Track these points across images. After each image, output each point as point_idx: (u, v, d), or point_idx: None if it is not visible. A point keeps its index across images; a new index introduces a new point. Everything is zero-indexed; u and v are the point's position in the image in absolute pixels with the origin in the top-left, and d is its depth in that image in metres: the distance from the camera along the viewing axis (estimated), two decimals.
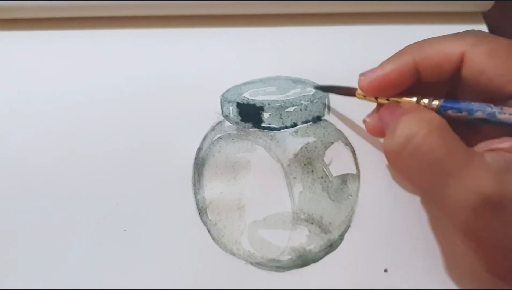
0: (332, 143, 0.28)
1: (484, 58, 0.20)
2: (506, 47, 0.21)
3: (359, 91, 0.24)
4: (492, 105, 0.21)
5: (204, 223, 0.27)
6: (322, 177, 0.27)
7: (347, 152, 0.28)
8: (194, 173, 0.28)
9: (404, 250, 0.26)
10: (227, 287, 0.26)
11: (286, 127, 0.28)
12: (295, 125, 0.28)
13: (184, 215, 0.27)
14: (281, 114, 0.28)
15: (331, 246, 0.27)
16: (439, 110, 0.22)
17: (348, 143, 0.28)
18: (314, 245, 0.27)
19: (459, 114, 0.21)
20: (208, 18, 0.31)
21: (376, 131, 0.25)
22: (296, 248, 0.27)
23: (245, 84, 0.29)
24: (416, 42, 0.23)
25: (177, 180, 0.27)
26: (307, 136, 0.28)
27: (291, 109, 0.27)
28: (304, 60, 0.30)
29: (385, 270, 0.26)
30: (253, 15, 0.31)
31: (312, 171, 0.27)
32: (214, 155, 0.28)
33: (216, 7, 0.30)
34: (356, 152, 0.28)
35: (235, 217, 0.27)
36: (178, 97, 0.29)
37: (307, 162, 0.27)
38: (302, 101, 0.27)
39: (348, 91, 0.25)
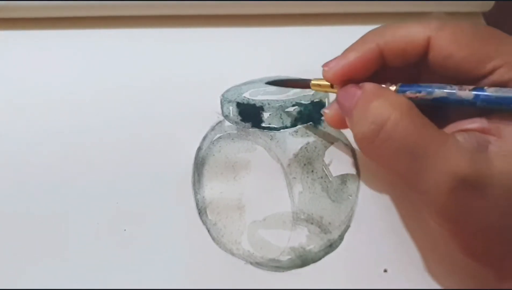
0: (332, 143, 0.28)
1: (449, 42, 0.20)
2: (470, 30, 0.20)
3: (313, 82, 0.24)
4: (451, 84, 0.20)
5: (204, 223, 0.27)
6: (322, 177, 0.27)
7: (347, 152, 0.28)
8: (194, 173, 0.28)
9: (404, 250, 0.26)
10: (227, 287, 0.26)
11: (286, 127, 0.28)
12: (295, 125, 0.28)
13: (184, 215, 0.27)
14: (281, 114, 0.28)
15: (331, 246, 0.27)
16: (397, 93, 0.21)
17: (348, 143, 0.28)
18: (314, 245, 0.27)
19: (418, 94, 0.21)
20: (208, 18, 0.31)
21: (337, 122, 0.25)
22: (296, 248, 0.27)
23: (245, 84, 0.29)
24: (379, 28, 0.22)
25: (177, 180, 0.27)
26: (307, 136, 0.28)
27: (291, 109, 0.27)
28: (304, 60, 0.30)
29: (385, 270, 0.26)
30: (253, 15, 0.31)
31: (312, 171, 0.27)
32: (214, 155, 0.28)
33: (216, 7, 0.30)
34: (356, 152, 0.28)
35: (235, 217, 0.27)
36: (178, 97, 0.29)
37: (307, 162, 0.27)
38: (302, 101, 0.27)
39: (302, 84, 0.25)
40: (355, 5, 0.30)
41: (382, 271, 0.26)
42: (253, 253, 0.27)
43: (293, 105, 0.27)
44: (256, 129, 0.28)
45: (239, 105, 0.28)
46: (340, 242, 0.27)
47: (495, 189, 0.19)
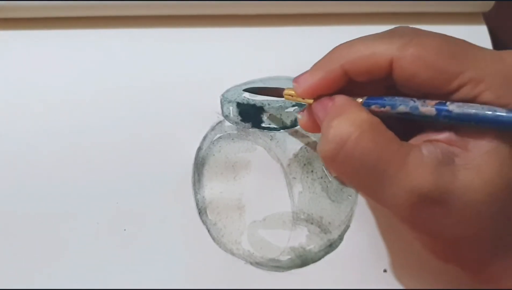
0: None
1: (412, 63, 0.20)
2: (435, 47, 0.20)
3: (286, 92, 0.24)
4: (415, 99, 0.20)
5: (204, 223, 0.27)
6: (321, 177, 0.27)
7: None
8: (194, 173, 0.28)
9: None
10: (227, 287, 0.26)
11: (286, 127, 0.28)
12: (295, 125, 0.28)
13: (184, 215, 0.27)
14: (281, 114, 0.28)
15: (331, 246, 0.27)
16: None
17: None
18: (313, 245, 0.27)
19: (382, 109, 0.21)
20: (208, 18, 0.31)
21: (308, 127, 0.25)
22: (296, 248, 0.27)
23: (245, 84, 0.29)
24: (346, 44, 0.22)
25: (177, 180, 0.27)
26: (307, 136, 0.28)
27: (291, 109, 0.28)
28: (304, 60, 0.30)
29: (385, 270, 0.26)
30: (253, 15, 0.31)
31: (312, 171, 0.27)
32: (214, 155, 0.28)
33: (216, 7, 0.30)
34: None
35: (235, 217, 0.27)
36: (178, 97, 0.29)
37: (307, 162, 0.27)
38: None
39: (276, 92, 0.25)
40: (355, 5, 0.30)
41: (382, 271, 0.26)
42: (253, 253, 0.27)
43: (293, 105, 0.27)
44: (256, 129, 0.28)
45: (239, 105, 0.28)
46: (340, 242, 0.27)
47: (458, 203, 0.19)
